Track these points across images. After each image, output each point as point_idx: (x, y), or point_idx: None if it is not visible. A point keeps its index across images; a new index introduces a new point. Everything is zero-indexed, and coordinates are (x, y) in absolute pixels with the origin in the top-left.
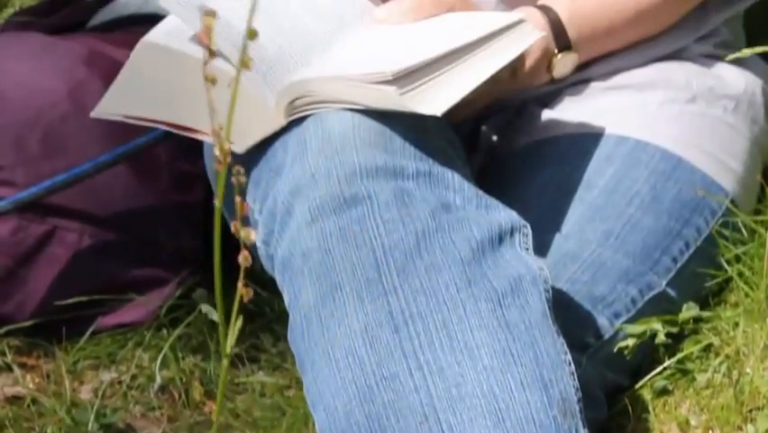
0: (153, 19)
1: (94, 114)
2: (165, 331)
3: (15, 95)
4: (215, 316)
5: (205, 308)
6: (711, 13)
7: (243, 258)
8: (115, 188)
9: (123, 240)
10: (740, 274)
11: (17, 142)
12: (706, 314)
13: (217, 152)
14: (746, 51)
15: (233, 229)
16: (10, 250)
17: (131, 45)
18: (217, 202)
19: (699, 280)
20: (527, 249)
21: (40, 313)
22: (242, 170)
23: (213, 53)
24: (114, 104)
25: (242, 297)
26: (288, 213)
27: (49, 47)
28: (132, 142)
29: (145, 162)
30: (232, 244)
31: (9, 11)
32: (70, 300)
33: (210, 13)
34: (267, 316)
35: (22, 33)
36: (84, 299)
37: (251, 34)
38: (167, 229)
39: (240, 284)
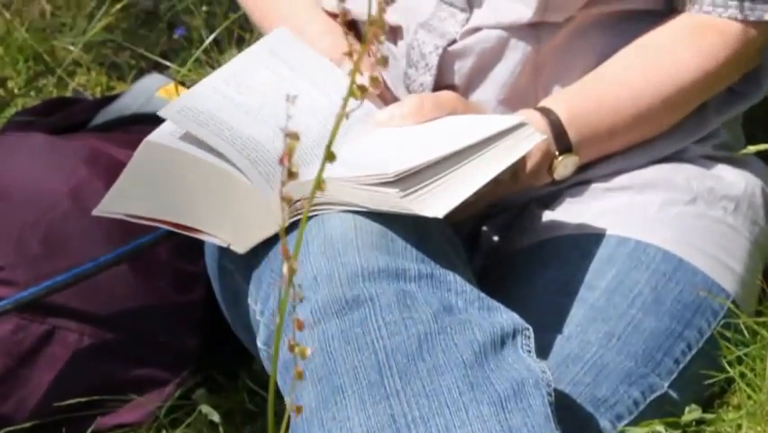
0: (155, 119)
1: (96, 212)
2: (165, 432)
3: (17, 195)
4: (216, 416)
5: (205, 408)
6: (710, 115)
7: None
8: (116, 287)
9: (122, 340)
10: (742, 376)
11: (18, 241)
12: (708, 416)
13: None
14: (750, 149)
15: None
16: (10, 350)
17: (132, 145)
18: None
19: (702, 381)
20: (530, 351)
21: (39, 413)
22: None
23: (293, 174)
24: (116, 202)
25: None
26: (289, 315)
27: (50, 147)
28: (133, 241)
29: (146, 262)
30: (233, 346)
31: (11, 110)
32: (70, 401)
33: (293, 135)
34: (268, 417)
35: (23, 134)
36: (83, 399)
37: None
38: (167, 329)
39: None
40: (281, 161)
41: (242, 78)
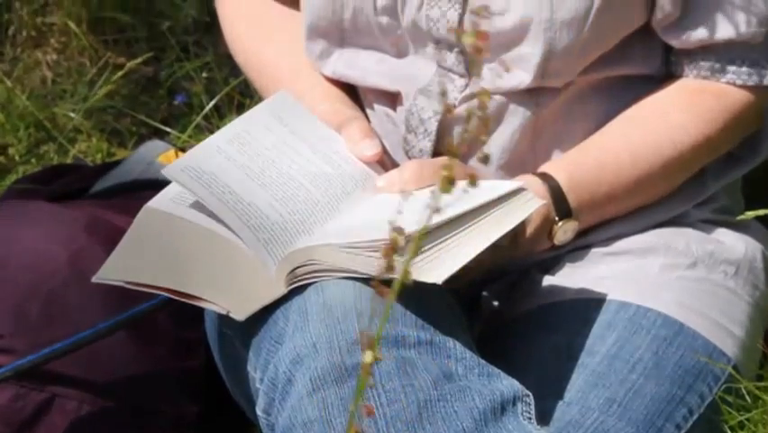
0: (155, 185)
1: (95, 279)
2: None
3: (16, 263)
4: None
5: None
6: (709, 179)
7: None
8: (115, 355)
9: (122, 407)
10: None
11: (17, 310)
12: None
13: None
14: (749, 214)
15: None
16: (9, 418)
17: (132, 211)
18: None
19: None
20: (530, 418)
21: None
22: None
23: (391, 268)
24: (116, 270)
25: None
26: (289, 382)
27: (50, 215)
28: (132, 308)
29: (145, 329)
30: (234, 412)
31: (11, 177)
32: None
33: (398, 231)
34: None
35: (24, 201)
36: None
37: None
38: (166, 396)
39: None
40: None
41: (244, 138)
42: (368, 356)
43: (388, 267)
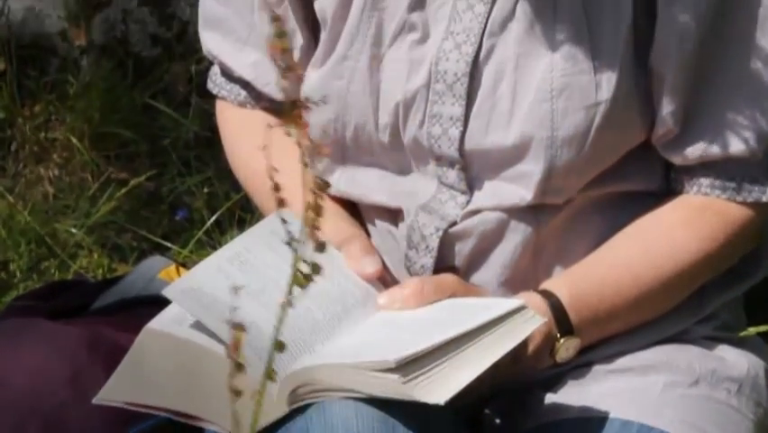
0: (157, 301)
1: (96, 400)
2: None
3: (16, 382)
4: None
5: None
6: (711, 296)
7: None
8: None
9: None
10: None
11: (17, 429)
12: None
13: None
14: (751, 330)
15: None
16: None
17: (134, 328)
18: None
19: None
20: None
21: None
22: None
23: (240, 366)
24: (117, 390)
25: None
26: None
27: (50, 333)
28: (132, 429)
29: None
30: None
31: (12, 294)
32: None
33: (239, 327)
34: None
35: (24, 319)
36: None
37: (278, 346)
38: None
39: None
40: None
41: (245, 257)
42: None
43: (238, 366)
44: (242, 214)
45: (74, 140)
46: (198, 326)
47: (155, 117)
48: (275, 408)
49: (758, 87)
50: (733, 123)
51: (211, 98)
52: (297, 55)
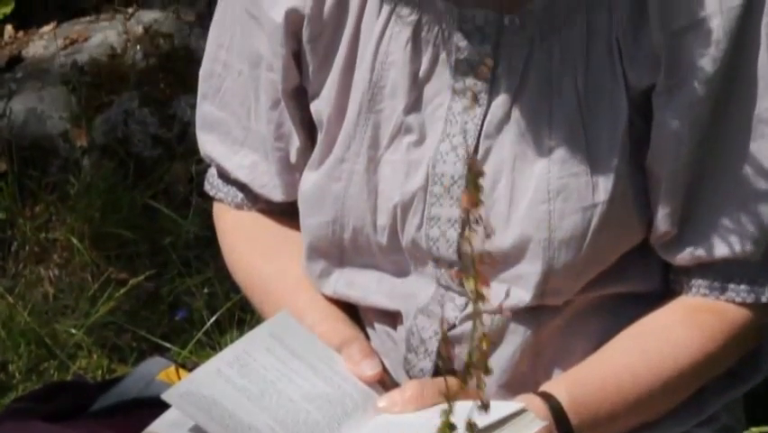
0: (156, 403)
1: None
2: None
3: None
4: None
5: None
6: (710, 398)
7: None
8: None
9: None
10: None
11: None
12: None
13: None
14: (753, 430)
15: None
16: None
17: (133, 430)
18: None
19: None
20: None
21: None
22: None
23: None
24: None
25: None
26: None
27: None
28: None
29: None
30: None
31: (11, 395)
32: None
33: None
34: None
35: (22, 423)
36: None
37: None
38: None
39: None
40: None
41: (244, 360)
42: None
43: None
44: (242, 314)
45: (74, 240)
46: (197, 430)
47: (155, 217)
48: None
49: (754, 191)
50: (730, 225)
51: (211, 198)
52: (293, 157)
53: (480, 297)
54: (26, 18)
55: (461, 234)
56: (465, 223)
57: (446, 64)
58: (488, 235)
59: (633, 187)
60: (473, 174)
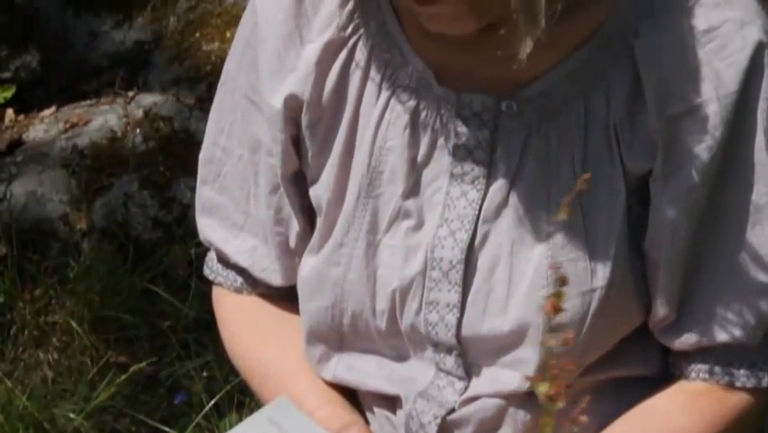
0: None
1: None
2: None
3: None
4: None
5: None
6: None
7: None
8: None
9: None
10: None
11: None
12: None
13: None
14: None
15: None
16: None
17: None
18: None
19: None
20: None
21: None
22: None
23: None
24: None
25: None
26: None
27: None
28: None
29: None
30: None
31: None
32: None
33: None
34: None
35: None
36: None
37: None
38: None
39: None
40: None
41: None
42: None
43: None
44: (242, 397)
45: (74, 324)
46: None
47: (154, 300)
48: None
49: (751, 279)
50: (729, 309)
51: (210, 282)
52: (293, 241)
53: (552, 401)
54: (27, 102)
55: (543, 341)
56: (546, 328)
57: (444, 149)
58: (565, 343)
59: (632, 272)
60: (559, 279)
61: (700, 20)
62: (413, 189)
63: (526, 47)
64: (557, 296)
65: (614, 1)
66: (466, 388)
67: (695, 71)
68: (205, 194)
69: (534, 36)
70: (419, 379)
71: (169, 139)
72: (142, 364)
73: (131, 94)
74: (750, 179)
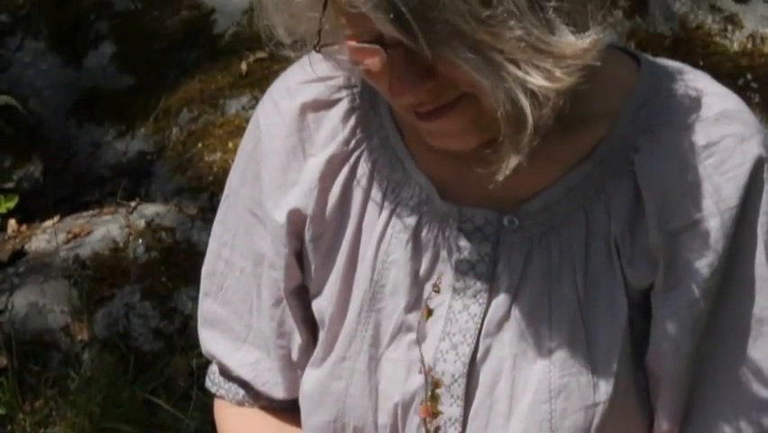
0: None
1: None
2: None
3: None
4: None
5: None
6: None
7: None
8: None
9: None
10: None
11: None
12: None
13: None
14: None
15: None
16: None
17: None
18: None
19: None
20: None
21: None
22: None
23: None
24: None
25: None
26: None
27: None
28: None
29: None
30: None
31: None
32: None
33: None
34: None
35: None
36: None
37: None
38: None
39: None
40: None
41: None
42: None
43: None
44: None
45: None
46: None
47: (156, 412)
48: None
49: (753, 395)
50: (728, 426)
51: (212, 393)
52: (295, 355)
53: None
54: (29, 212)
55: None
56: None
57: (447, 263)
58: None
59: (635, 385)
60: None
61: (700, 135)
62: (415, 303)
63: (506, 170)
64: None
65: (615, 116)
66: None
67: (695, 187)
68: (208, 306)
69: (513, 164)
70: None
71: (170, 249)
72: None
73: (133, 204)
74: (751, 293)
